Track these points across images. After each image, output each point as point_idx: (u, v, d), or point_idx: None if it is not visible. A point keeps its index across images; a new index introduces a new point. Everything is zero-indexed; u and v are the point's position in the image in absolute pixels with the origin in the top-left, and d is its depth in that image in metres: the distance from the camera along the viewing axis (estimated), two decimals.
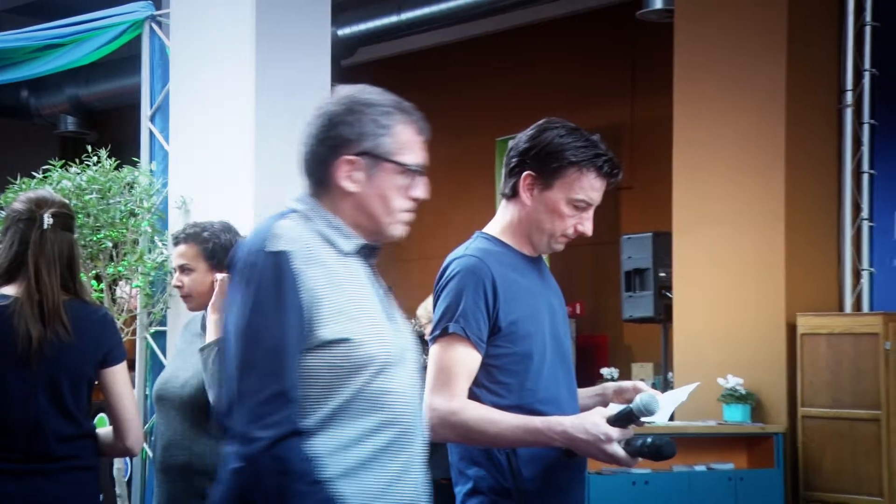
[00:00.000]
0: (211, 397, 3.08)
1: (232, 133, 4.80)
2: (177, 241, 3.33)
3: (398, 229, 2.02)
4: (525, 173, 2.46)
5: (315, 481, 1.82)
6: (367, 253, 2.01)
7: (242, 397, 1.84)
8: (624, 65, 8.97)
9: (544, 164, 2.43)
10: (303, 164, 2.02)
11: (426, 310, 5.12)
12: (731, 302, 6.10)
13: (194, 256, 3.27)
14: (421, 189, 2.03)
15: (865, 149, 6.23)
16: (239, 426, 1.83)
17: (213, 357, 3.07)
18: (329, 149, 1.98)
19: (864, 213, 6.22)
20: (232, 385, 1.86)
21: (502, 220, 2.51)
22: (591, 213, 2.47)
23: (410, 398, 1.97)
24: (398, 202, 2.00)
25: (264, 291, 1.85)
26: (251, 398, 1.82)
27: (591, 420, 2.28)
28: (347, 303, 1.91)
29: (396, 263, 10.01)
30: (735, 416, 5.87)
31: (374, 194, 1.98)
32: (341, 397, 1.88)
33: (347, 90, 2.05)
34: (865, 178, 6.22)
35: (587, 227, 2.48)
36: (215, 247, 3.26)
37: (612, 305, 7.76)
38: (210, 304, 3.13)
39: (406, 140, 2.02)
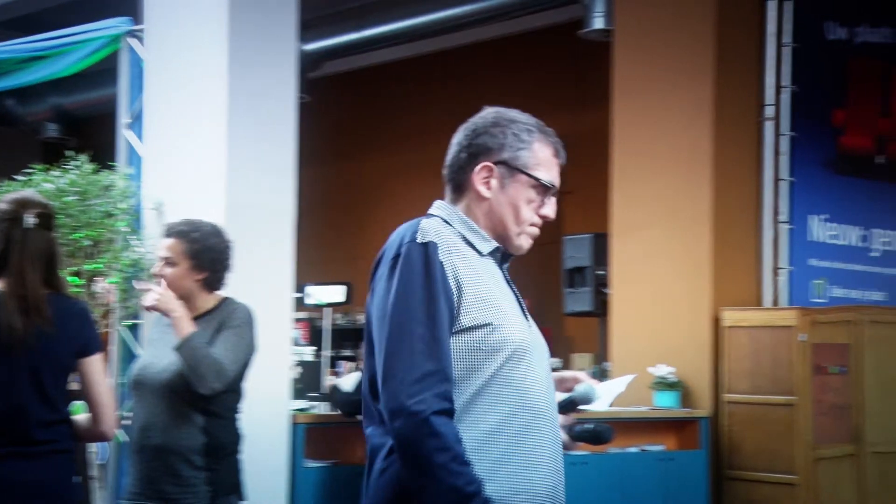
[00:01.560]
0: (203, 388, 3.08)
1: (204, 140, 4.76)
2: (167, 234, 3.30)
3: (524, 240, 2.01)
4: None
5: (466, 461, 1.79)
6: (500, 257, 2.00)
7: (397, 375, 1.81)
8: (568, 80, 9.01)
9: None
10: (446, 171, 2.03)
11: None
12: (663, 297, 6.15)
13: (179, 253, 3.24)
14: (551, 208, 2.02)
15: (784, 158, 6.31)
16: (394, 402, 1.80)
17: (191, 351, 3.06)
18: (470, 156, 1.99)
19: (783, 217, 6.29)
20: (385, 364, 1.83)
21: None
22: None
23: (545, 386, 1.94)
24: (527, 214, 1.99)
25: (415, 277, 1.85)
26: (406, 375, 1.80)
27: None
28: (487, 293, 1.90)
29: (358, 261, 9.98)
30: (665, 402, 5.92)
31: (506, 202, 1.98)
32: (481, 379, 1.86)
33: (494, 108, 2.06)
34: (784, 184, 6.30)
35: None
36: (201, 249, 3.24)
37: (555, 301, 7.79)
38: (166, 308, 3.12)
39: (543, 158, 2.01)
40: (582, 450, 5.15)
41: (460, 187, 2.00)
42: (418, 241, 1.88)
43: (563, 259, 7.11)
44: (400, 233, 1.94)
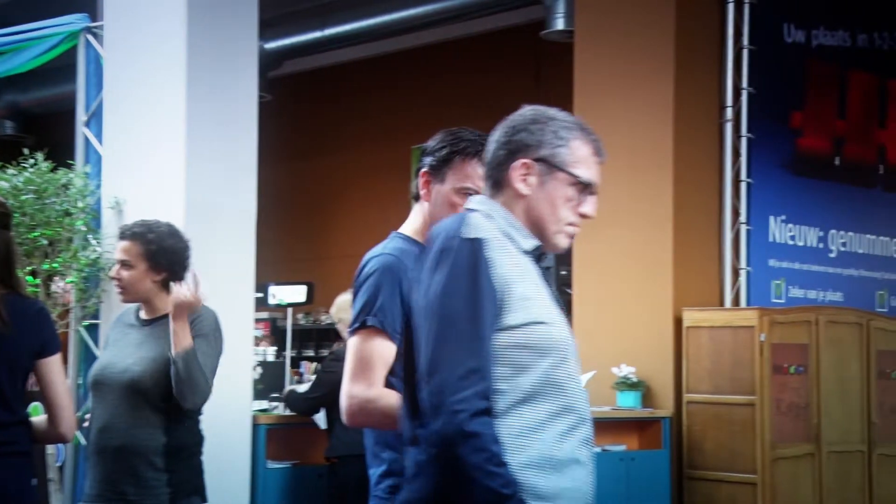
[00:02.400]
0: (189, 403, 3.07)
1: (163, 138, 4.72)
2: (122, 236, 3.27)
3: (562, 239, 1.99)
4: (421, 171, 2.46)
5: (503, 462, 1.77)
6: (537, 256, 1.97)
7: (438, 371, 1.79)
8: (529, 81, 9.05)
9: (435, 159, 2.44)
10: (485, 167, 2.01)
11: (338, 307, 5.06)
12: (625, 298, 6.19)
13: (136, 255, 3.21)
14: (590, 206, 1.99)
15: (743, 160, 6.37)
16: (434, 398, 1.78)
17: (189, 363, 3.04)
18: (509, 152, 1.97)
19: (742, 218, 6.36)
20: (429, 359, 1.81)
21: (414, 221, 2.50)
22: None
23: (582, 387, 1.93)
24: (565, 212, 1.97)
25: (461, 273, 1.83)
26: (448, 373, 1.78)
27: None
28: (533, 290, 1.89)
29: (320, 261, 9.95)
30: (627, 402, 5.96)
31: (544, 200, 1.96)
32: (528, 379, 1.84)
33: (533, 106, 2.03)
34: (743, 186, 6.37)
35: None
36: (157, 250, 3.21)
37: None
38: (171, 315, 3.09)
39: (582, 155, 1.99)
40: None
41: (499, 184, 1.98)
42: (465, 235, 1.86)
43: None
44: (444, 226, 1.91)
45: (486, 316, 1.82)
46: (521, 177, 1.96)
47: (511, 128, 2.00)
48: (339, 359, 4.86)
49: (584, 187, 1.98)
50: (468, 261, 1.84)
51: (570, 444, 1.86)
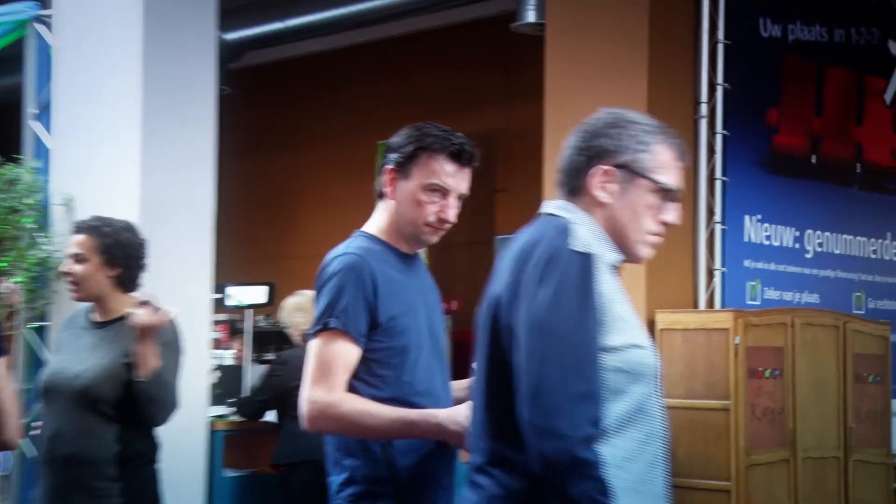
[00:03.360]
0: (158, 421, 3.10)
1: (117, 132, 4.69)
2: (77, 230, 3.25)
3: (644, 249, 1.95)
4: (386, 168, 2.46)
5: (610, 492, 1.73)
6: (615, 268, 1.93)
7: (546, 393, 1.73)
8: (499, 74, 9.06)
9: (400, 156, 2.43)
10: (559, 174, 1.97)
11: (289, 309, 5.04)
12: None
13: (90, 248, 3.19)
14: (673, 213, 1.96)
15: (718, 157, 6.41)
16: (541, 421, 1.72)
17: (159, 386, 3.03)
18: (587, 158, 1.93)
19: (717, 217, 6.40)
20: (533, 379, 1.75)
21: (379, 220, 2.50)
22: (452, 200, 2.42)
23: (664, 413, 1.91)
24: (647, 221, 1.93)
25: (570, 289, 1.77)
26: (556, 394, 1.73)
27: (463, 412, 2.29)
28: (627, 311, 1.85)
29: (281, 261, 9.91)
30: None
31: (626, 208, 1.91)
32: (622, 405, 1.81)
33: (612, 109, 2.00)
34: (718, 184, 6.41)
35: (449, 214, 2.42)
36: (113, 243, 3.19)
37: None
38: (136, 338, 3.07)
39: (664, 161, 1.95)
40: None
41: (575, 191, 1.94)
42: (574, 248, 1.81)
43: (495, 260, 7.14)
44: (541, 234, 1.86)
45: (595, 336, 1.77)
46: (601, 184, 1.91)
47: (588, 132, 1.96)
48: (285, 362, 4.88)
49: (667, 194, 1.94)
50: (578, 276, 1.78)
51: (655, 475, 1.84)
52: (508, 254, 1.93)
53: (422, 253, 2.59)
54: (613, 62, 6.29)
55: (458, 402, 2.41)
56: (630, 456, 1.81)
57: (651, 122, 1.99)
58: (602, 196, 1.92)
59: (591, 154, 1.93)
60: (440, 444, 2.34)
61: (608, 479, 1.73)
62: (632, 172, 1.92)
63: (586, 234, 1.85)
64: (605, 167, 1.92)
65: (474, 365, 1.95)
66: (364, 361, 2.36)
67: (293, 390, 4.62)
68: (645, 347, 1.86)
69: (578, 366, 1.75)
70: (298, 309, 4.94)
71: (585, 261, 1.80)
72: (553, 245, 1.82)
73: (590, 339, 1.77)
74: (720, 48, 6.40)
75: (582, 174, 1.93)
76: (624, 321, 1.83)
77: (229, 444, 4.83)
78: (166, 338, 3.19)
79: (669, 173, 1.96)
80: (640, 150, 1.93)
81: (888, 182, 7.34)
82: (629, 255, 1.95)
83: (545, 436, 1.72)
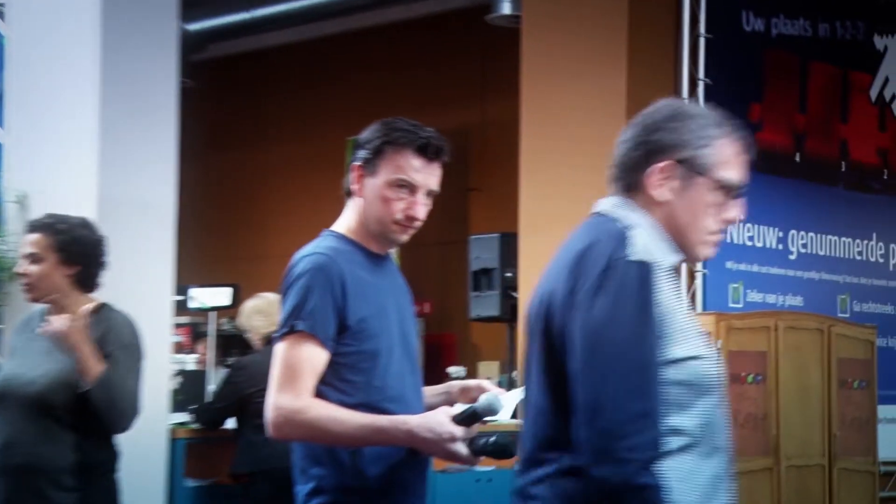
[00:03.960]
0: (119, 427, 3.07)
1: (74, 126, 4.66)
2: (31, 230, 3.22)
3: (705, 250, 1.91)
4: (354, 165, 2.46)
5: None
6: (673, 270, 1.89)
7: (604, 412, 1.71)
8: (474, 68, 9.07)
9: (368, 152, 2.43)
10: (613, 169, 1.92)
11: (248, 313, 5.01)
12: None
13: (45, 247, 3.16)
14: (736, 211, 1.92)
15: None
16: (598, 441, 1.70)
17: (108, 390, 3.01)
18: (644, 154, 1.89)
19: None
20: (589, 397, 1.73)
21: (348, 219, 2.50)
22: (421, 196, 2.41)
23: (725, 423, 1.88)
24: (709, 220, 1.88)
25: (628, 301, 1.74)
26: (617, 413, 1.70)
27: (436, 419, 2.29)
28: (687, 320, 1.82)
29: (246, 261, 9.87)
30: None
31: (686, 207, 1.87)
32: (687, 418, 1.78)
33: (671, 100, 1.96)
34: None
35: (417, 211, 2.40)
36: (69, 240, 3.17)
37: (460, 305, 7.83)
38: (76, 341, 3.04)
39: (728, 155, 1.90)
40: (486, 465, 5.18)
41: (631, 188, 1.90)
42: (632, 257, 1.78)
43: (468, 260, 7.16)
44: (597, 238, 1.83)
45: (655, 351, 1.74)
46: (660, 182, 1.87)
47: (646, 126, 1.92)
48: (243, 368, 4.87)
49: (730, 191, 1.90)
50: (636, 287, 1.75)
51: (722, 489, 1.82)
52: (561, 256, 1.90)
53: (393, 253, 2.58)
54: (592, 56, 6.31)
55: (431, 408, 2.41)
56: (694, 471, 1.78)
57: (713, 114, 1.94)
58: (660, 195, 1.88)
59: (650, 149, 1.89)
60: (411, 452, 2.33)
61: (668, 500, 1.72)
62: (693, 169, 1.87)
63: (644, 239, 1.82)
64: (664, 164, 1.87)
65: (525, 369, 1.94)
66: (332, 366, 2.35)
67: (253, 397, 4.63)
68: (707, 358, 1.82)
69: (638, 384, 1.72)
70: (258, 312, 4.93)
71: (644, 270, 1.77)
72: (609, 253, 1.79)
73: (649, 355, 1.74)
74: (701, 42, 6.43)
75: (639, 171, 1.89)
76: (684, 331, 1.80)
77: (191, 453, 4.80)
78: (125, 341, 3.17)
79: (733, 169, 1.91)
80: (702, 146, 1.88)
81: (874, 181, 7.40)
82: (689, 256, 1.92)
83: (602, 458, 1.70)
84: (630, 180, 1.91)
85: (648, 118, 1.93)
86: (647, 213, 1.88)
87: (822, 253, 7.06)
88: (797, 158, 7.08)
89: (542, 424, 1.86)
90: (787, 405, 6.00)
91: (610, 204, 1.93)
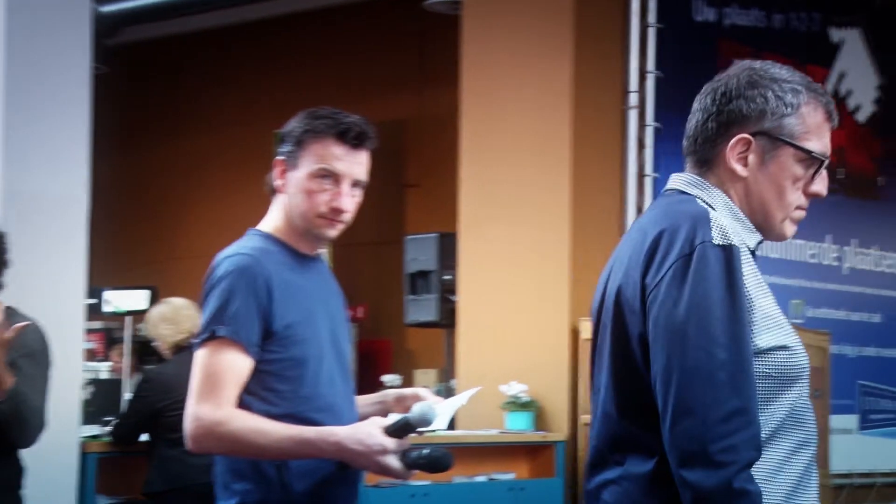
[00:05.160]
0: (26, 442, 3.05)
1: None
2: None
3: (789, 227, 1.87)
4: (277, 160, 2.46)
5: None
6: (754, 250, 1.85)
7: (693, 411, 1.68)
8: (411, 57, 9.07)
9: (288, 144, 2.43)
10: (687, 140, 1.87)
11: (154, 321, 4.96)
12: (516, 306, 6.27)
13: None
14: (822, 183, 1.88)
15: (649, 151, 6.51)
16: (689, 444, 1.68)
17: (17, 405, 2.96)
18: (721, 125, 1.84)
19: None
20: (677, 395, 1.70)
21: (274, 217, 2.49)
22: (346, 187, 2.40)
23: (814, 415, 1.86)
24: (793, 195, 1.85)
25: (716, 290, 1.71)
26: (709, 413, 1.67)
27: (366, 430, 2.29)
28: (772, 306, 1.79)
29: (165, 263, 9.78)
30: (518, 425, 6.03)
31: (768, 182, 1.83)
32: (774, 412, 1.76)
33: (750, 62, 1.88)
34: (648, 181, 6.51)
35: (343, 203, 2.39)
36: None
37: (395, 309, 7.82)
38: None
39: (813, 124, 1.84)
40: (421, 478, 5.19)
41: (707, 163, 1.86)
42: (716, 241, 1.74)
43: (404, 262, 7.16)
44: (674, 222, 1.78)
45: (747, 342, 1.72)
46: (739, 155, 1.83)
47: (723, 94, 1.86)
48: (151, 381, 4.83)
49: (816, 162, 1.86)
50: (721, 274, 1.72)
51: (809, 486, 1.81)
52: (632, 241, 1.85)
53: (324, 254, 2.58)
54: (536, 46, 6.35)
55: (364, 418, 2.41)
56: (781, 467, 1.76)
57: (797, 77, 1.87)
58: (740, 169, 1.84)
59: (727, 120, 1.84)
60: (341, 466, 2.33)
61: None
62: (775, 140, 1.83)
63: (724, 220, 1.79)
64: (744, 135, 1.83)
65: (594, 365, 1.92)
66: (257, 374, 2.35)
67: (165, 410, 4.60)
68: (795, 347, 1.80)
69: (729, 378, 1.69)
70: (164, 320, 4.89)
71: (728, 255, 1.74)
72: (689, 239, 1.75)
73: (742, 347, 1.71)
74: (651, 33, 6.50)
75: (715, 144, 1.85)
76: (769, 318, 1.78)
77: (103, 468, 4.75)
78: (32, 349, 3.12)
79: (819, 138, 1.86)
80: (786, 114, 1.83)
81: (828, 180, 7.53)
82: (771, 234, 1.89)
83: (694, 461, 1.68)
84: (706, 155, 1.87)
85: (724, 85, 1.87)
86: (725, 190, 1.85)
87: (774, 256, 7.16)
88: None
89: (610, 423, 1.84)
90: None
91: (683, 181, 1.89)
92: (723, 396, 1.69)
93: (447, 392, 6.70)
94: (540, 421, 6.11)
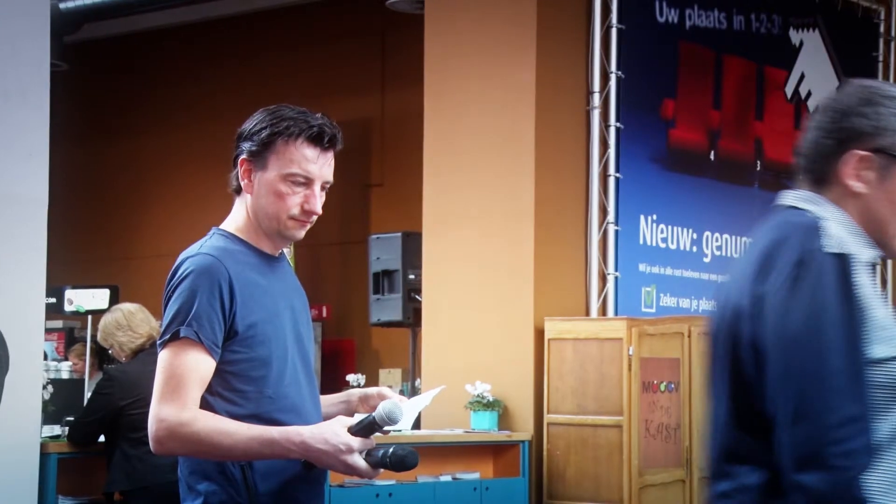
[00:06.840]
0: None
1: None
2: None
3: None
4: (240, 159, 2.44)
5: None
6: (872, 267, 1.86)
7: (809, 417, 1.69)
8: (373, 55, 9.07)
9: (255, 144, 2.41)
10: (802, 158, 1.89)
11: (108, 329, 4.91)
12: (480, 305, 6.27)
13: None
14: None
15: (612, 152, 6.54)
16: (808, 448, 1.69)
17: None
18: (838, 142, 1.85)
19: (611, 217, 6.52)
20: (793, 401, 1.72)
21: (237, 216, 2.47)
22: (316, 189, 2.39)
23: None
24: None
25: (827, 297, 1.72)
26: (825, 417, 1.68)
27: (331, 430, 2.28)
28: (887, 317, 1.79)
29: (126, 261, 9.71)
30: (482, 424, 6.04)
31: (885, 199, 1.84)
32: (888, 423, 1.75)
33: (864, 81, 1.91)
34: (612, 181, 6.53)
35: (314, 205, 2.39)
36: None
37: (360, 308, 7.82)
38: None
39: None
40: (386, 478, 5.19)
41: (823, 180, 1.87)
42: (829, 249, 1.76)
43: (369, 261, 7.15)
44: (787, 233, 1.81)
45: (862, 350, 1.74)
46: (856, 172, 1.85)
47: (839, 111, 1.88)
48: (112, 379, 4.80)
49: None
50: (835, 281, 1.74)
51: None
52: (747, 257, 1.89)
53: (288, 253, 2.57)
54: (498, 46, 6.36)
55: (329, 418, 2.40)
56: (892, 481, 1.76)
57: None
58: (857, 186, 1.86)
59: (843, 137, 1.86)
60: (306, 466, 2.33)
61: None
62: (893, 158, 1.85)
63: (839, 230, 1.81)
64: (861, 152, 1.85)
65: (710, 379, 1.94)
66: (220, 374, 2.33)
67: (127, 409, 4.56)
68: None
69: (845, 384, 1.71)
70: (119, 328, 4.81)
71: (842, 263, 1.76)
72: (803, 247, 1.77)
73: (855, 353, 1.73)
74: (613, 33, 6.53)
75: (831, 160, 1.87)
76: (885, 328, 1.78)
77: (64, 469, 4.71)
78: None
79: None
80: None
81: (790, 181, 7.60)
82: (889, 251, 1.90)
83: (809, 464, 1.70)
84: (821, 172, 1.88)
85: (841, 102, 1.89)
86: (841, 207, 1.87)
87: (737, 255, 7.21)
88: (711, 157, 7.23)
89: (723, 435, 1.89)
90: (700, 415, 6.13)
91: (797, 197, 1.91)
92: (839, 402, 1.71)
93: (412, 391, 6.69)
94: (504, 420, 6.12)
